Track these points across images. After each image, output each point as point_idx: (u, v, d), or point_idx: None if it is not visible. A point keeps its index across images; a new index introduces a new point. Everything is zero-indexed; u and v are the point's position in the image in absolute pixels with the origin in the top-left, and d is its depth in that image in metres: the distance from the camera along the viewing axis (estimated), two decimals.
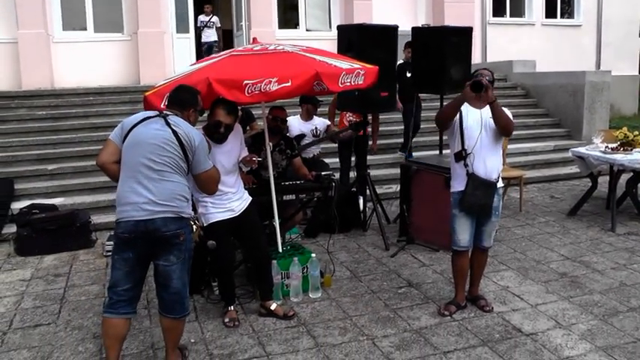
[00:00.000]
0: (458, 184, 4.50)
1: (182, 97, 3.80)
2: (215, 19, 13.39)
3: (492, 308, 4.69)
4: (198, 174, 3.68)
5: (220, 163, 4.37)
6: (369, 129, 7.75)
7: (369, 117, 7.74)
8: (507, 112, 4.45)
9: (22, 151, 8.53)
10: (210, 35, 13.28)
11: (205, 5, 13.25)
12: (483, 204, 4.43)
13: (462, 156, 4.44)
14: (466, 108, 4.44)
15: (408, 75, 7.95)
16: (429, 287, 5.21)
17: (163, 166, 3.49)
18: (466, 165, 4.42)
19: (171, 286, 3.61)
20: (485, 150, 4.40)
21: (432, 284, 5.28)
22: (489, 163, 4.42)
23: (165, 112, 3.70)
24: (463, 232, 4.54)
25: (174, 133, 3.51)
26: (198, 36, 13.16)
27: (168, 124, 3.54)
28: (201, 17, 13.30)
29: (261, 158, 5.09)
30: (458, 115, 4.43)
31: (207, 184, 3.80)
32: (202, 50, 13.03)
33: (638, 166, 6.77)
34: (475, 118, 4.41)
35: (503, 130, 4.40)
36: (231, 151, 4.55)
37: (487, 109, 4.36)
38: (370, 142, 8.01)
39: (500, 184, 4.58)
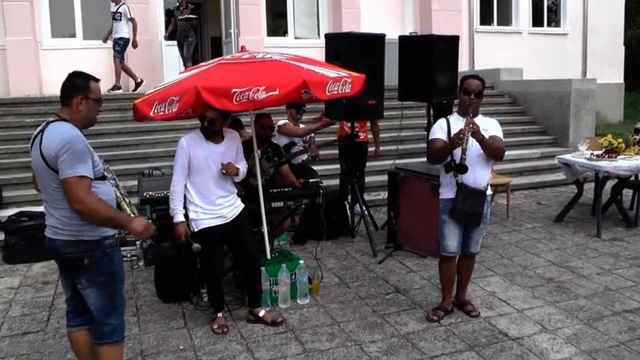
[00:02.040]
0: (447, 192, 4.54)
1: (66, 88, 3.31)
2: (124, 8, 10.83)
3: (479, 313, 4.74)
4: (61, 180, 3.11)
5: (213, 162, 4.47)
6: (365, 135, 7.83)
7: (368, 124, 7.87)
8: (499, 133, 4.51)
9: (11, 158, 8.50)
10: (118, 30, 10.76)
11: None
12: (473, 212, 4.46)
13: (451, 167, 4.46)
14: (456, 120, 4.50)
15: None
16: (416, 293, 5.25)
17: (52, 194, 3.21)
18: (455, 175, 4.44)
19: (90, 308, 3.39)
20: (474, 161, 4.40)
21: (419, 290, 5.32)
22: (479, 173, 4.44)
23: (49, 120, 3.26)
24: (452, 239, 4.57)
25: (41, 152, 3.15)
26: (110, 30, 11.02)
27: (41, 141, 3.17)
28: (111, 7, 11.00)
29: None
30: (446, 128, 4.48)
31: (68, 194, 3.10)
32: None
33: (623, 172, 6.88)
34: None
35: (493, 157, 4.49)
36: (225, 154, 4.57)
37: (477, 119, 4.41)
38: (373, 148, 8.13)
39: (489, 191, 4.64)
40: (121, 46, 10.97)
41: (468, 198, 4.41)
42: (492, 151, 4.42)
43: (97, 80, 3.42)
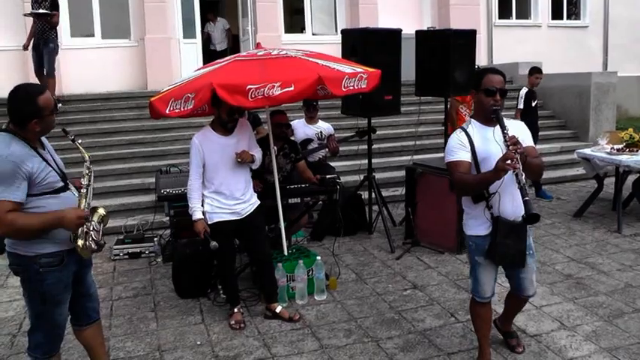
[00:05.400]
0: (476, 227, 3.63)
1: (17, 113, 3.08)
2: None
3: (524, 349, 4.09)
4: None
5: (227, 155, 4.49)
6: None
7: None
8: (530, 140, 3.60)
9: None
10: None
11: None
12: (516, 252, 3.56)
13: (483, 196, 3.54)
14: (478, 130, 3.57)
15: (533, 104, 8.21)
16: (433, 289, 5.23)
17: None
18: (489, 207, 3.54)
19: None
20: (510, 185, 3.42)
21: (436, 286, 5.30)
22: (518, 199, 3.40)
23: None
24: (488, 283, 3.71)
25: None
26: None
27: None
28: None
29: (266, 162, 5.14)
30: (468, 143, 3.53)
31: None
32: None
33: None
34: (493, 145, 3.48)
35: (532, 177, 3.87)
36: (239, 144, 4.59)
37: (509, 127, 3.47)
38: None
39: None
40: None
41: (509, 236, 3.49)
42: (534, 171, 3.58)
43: (43, 92, 3.11)
